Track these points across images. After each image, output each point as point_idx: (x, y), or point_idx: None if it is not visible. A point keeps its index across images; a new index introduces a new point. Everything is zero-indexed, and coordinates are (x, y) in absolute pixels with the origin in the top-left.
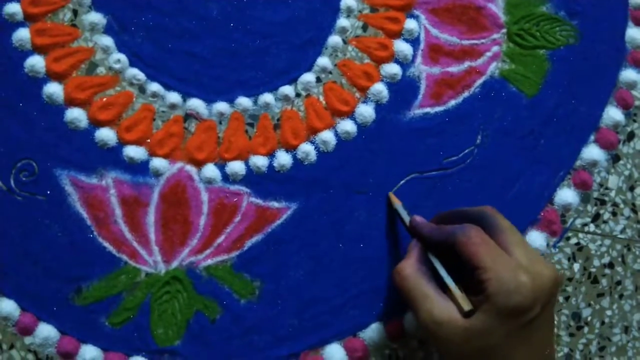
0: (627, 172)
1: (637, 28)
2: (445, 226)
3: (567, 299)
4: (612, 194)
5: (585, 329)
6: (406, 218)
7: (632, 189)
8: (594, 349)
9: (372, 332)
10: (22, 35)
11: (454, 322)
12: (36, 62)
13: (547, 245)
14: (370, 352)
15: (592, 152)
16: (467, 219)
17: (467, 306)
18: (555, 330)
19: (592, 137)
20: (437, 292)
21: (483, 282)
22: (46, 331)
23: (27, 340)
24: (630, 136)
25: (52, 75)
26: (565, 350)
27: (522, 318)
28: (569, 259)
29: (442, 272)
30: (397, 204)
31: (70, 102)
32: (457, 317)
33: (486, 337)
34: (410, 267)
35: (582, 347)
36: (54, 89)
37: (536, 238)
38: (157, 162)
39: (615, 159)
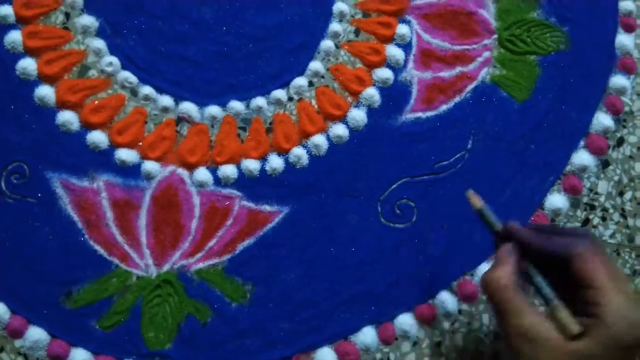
0: (616, 178)
1: (626, 34)
2: (557, 236)
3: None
4: (602, 199)
5: None
6: (495, 221)
7: (621, 194)
8: None
9: (363, 335)
10: (14, 37)
11: (553, 342)
12: (28, 65)
13: None
14: (361, 356)
15: (582, 157)
16: (571, 236)
17: (576, 328)
18: None
19: (582, 143)
20: (532, 307)
21: (597, 305)
22: (36, 334)
23: (17, 343)
24: (620, 142)
25: (43, 78)
26: None
27: (631, 353)
28: None
29: (546, 287)
30: (481, 203)
31: (62, 104)
32: (556, 338)
33: None
34: (507, 278)
35: None
36: (45, 92)
37: None
38: (149, 165)
39: (604, 164)
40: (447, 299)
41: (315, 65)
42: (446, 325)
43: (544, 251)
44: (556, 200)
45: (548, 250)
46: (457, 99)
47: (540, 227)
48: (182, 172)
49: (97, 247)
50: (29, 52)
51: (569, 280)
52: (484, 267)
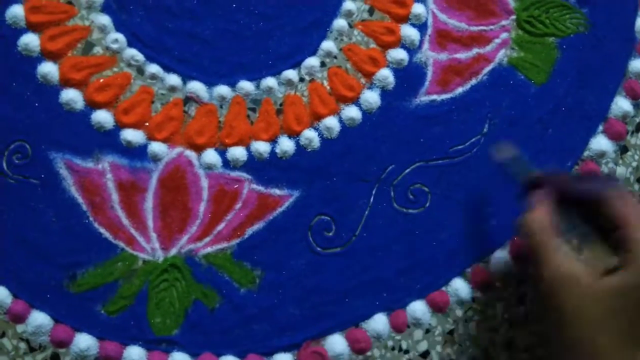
0: (634, 164)
1: None
2: (588, 180)
3: None
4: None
5: None
6: (524, 168)
7: (639, 180)
8: None
9: (375, 322)
10: (16, 12)
11: (587, 280)
12: (30, 41)
13: None
14: (373, 343)
15: (600, 142)
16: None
17: (612, 262)
18: None
19: (600, 128)
20: (567, 249)
21: (630, 241)
22: (39, 319)
23: (20, 328)
24: (639, 127)
25: (47, 55)
26: None
27: None
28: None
29: (582, 226)
30: (513, 153)
31: (66, 82)
32: (592, 273)
33: (622, 298)
34: (544, 220)
35: None
36: (48, 69)
37: None
38: (156, 147)
39: (623, 150)
40: (460, 287)
41: (328, 45)
42: (459, 313)
43: (577, 194)
44: None
45: (581, 193)
46: (473, 81)
47: (571, 175)
48: (190, 153)
49: (102, 230)
50: (31, 27)
51: (598, 225)
52: (499, 254)
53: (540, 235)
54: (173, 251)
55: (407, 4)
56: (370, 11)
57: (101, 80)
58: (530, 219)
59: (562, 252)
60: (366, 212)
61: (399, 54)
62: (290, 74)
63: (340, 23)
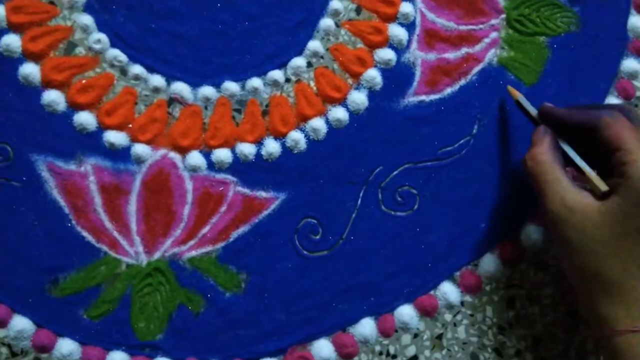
0: None
1: (639, 16)
2: (586, 109)
3: (564, 295)
4: None
5: (582, 327)
6: (531, 108)
7: None
8: (590, 347)
9: (362, 327)
10: None
11: (588, 206)
12: (12, 41)
13: (545, 240)
14: (360, 348)
15: None
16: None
17: (603, 187)
18: (551, 327)
19: None
20: (570, 180)
21: (624, 164)
22: (21, 324)
23: (1, 333)
24: None
25: (28, 55)
26: (561, 347)
27: None
28: None
29: (575, 156)
30: (519, 95)
31: (48, 83)
32: (591, 202)
33: (621, 221)
34: (545, 153)
35: (577, 344)
36: (30, 70)
37: (534, 232)
38: (139, 149)
39: None
40: (449, 290)
41: (314, 44)
42: (448, 317)
43: (574, 123)
44: None
45: (578, 121)
46: (462, 81)
47: (569, 108)
48: (174, 155)
49: (85, 234)
50: (12, 27)
51: (600, 151)
52: (489, 258)
53: (540, 170)
54: (157, 255)
55: (395, 3)
56: (358, 10)
57: (83, 81)
58: (530, 156)
59: (562, 184)
60: (353, 215)
61: (386, 54)
62: (276, 74)
63: (327, 22)
